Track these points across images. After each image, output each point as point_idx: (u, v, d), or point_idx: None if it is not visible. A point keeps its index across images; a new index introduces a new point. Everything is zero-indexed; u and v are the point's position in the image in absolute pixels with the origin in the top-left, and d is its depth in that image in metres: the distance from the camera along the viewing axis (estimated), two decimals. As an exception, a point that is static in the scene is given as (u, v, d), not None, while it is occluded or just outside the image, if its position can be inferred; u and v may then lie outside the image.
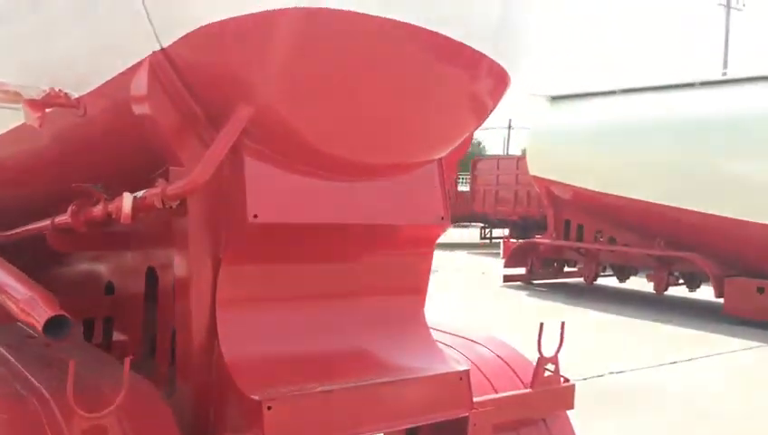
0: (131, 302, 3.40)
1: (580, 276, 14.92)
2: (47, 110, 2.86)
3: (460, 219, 25.69)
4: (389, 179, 3.09)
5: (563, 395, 3.55)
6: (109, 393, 2.50)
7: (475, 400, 3.23)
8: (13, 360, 3.07)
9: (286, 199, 2.78)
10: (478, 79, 2.90)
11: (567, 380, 3.66)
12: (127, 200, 2.74)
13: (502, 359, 3.70)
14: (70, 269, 4.15)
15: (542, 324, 3.54)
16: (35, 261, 3.94)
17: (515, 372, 3.67)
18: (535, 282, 15.04)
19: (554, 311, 11.81)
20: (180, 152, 2.65)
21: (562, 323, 3.56)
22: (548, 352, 3.56)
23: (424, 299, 3.40)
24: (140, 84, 2.58)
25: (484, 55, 2.79)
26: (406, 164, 3.06)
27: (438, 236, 3.34)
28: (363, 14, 2.41)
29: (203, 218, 2.73)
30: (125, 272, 3.56)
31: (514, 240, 17.08)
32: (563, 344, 3.57)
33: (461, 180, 26.38)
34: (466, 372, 3.13)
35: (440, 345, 3.71)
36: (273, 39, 2.42)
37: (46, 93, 2.83)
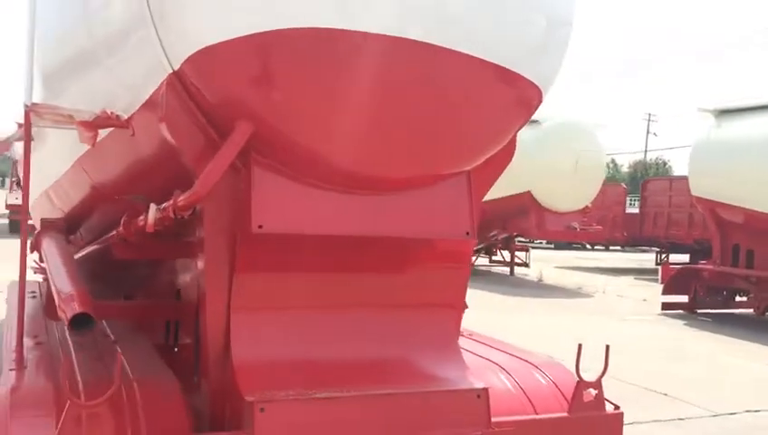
0: (187, 306, 3.66)
1: (751, 307, 13.72)
2: (100, 130, 3.18)
3: (630, 243, 24.55)
4: (410, 193, 3.10)
5: (607, 423, 3.36)
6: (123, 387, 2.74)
7: (498, 419, 3.16)
8: (72, 353, 3.42)
9: (294, 211, 2.89)
10: (495, 96, 2.89)
11: (617, 407, 3.46)
12: (151, 211, 2.99)
13: (555, 384, 3.55)
14: (155, 275, 4.52)
15: (580, 346, 3.41)
16: (126, 267, 4.36)
17: (566, 399, 3.52)
18: (700, 311, 14.01)
19: (697, 341, 10.95)
20: (197, 167, 2.84)
21: (607, 347, 3.39)
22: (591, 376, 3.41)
23: (456, 314, 3.37)
24: (160, 105, 2.81)
25: (506, 71, 2.78)
26: (419, 178, 3.07)
27: (467, 251, 3.30)
28: (361, 32, 2.49)
29: (217, 228, 2.91)
30: (182, 278, 3.85)
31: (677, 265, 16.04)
32: (607, 369, 3.39)
33: (631, 202, 25.23)
34: (485, 390, 3.08)
35: (483, 363, 3.66)
36: (270, 60, 2.56)
37: (98, 115, 3.13)
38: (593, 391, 3.39)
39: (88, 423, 2.53)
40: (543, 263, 22.45)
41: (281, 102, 2.64)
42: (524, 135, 15.68)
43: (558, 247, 31.19)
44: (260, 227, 2.84)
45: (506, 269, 19.53)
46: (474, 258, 18.95)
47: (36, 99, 3.29)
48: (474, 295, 13.18)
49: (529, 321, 11.57)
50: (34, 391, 2.85)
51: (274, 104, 2.65)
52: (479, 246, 18.88)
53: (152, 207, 2.99)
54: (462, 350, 4.06)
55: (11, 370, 3.11)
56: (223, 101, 2.71)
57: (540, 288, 16.86)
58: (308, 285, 3.11)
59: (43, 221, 4.44)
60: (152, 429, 2.76)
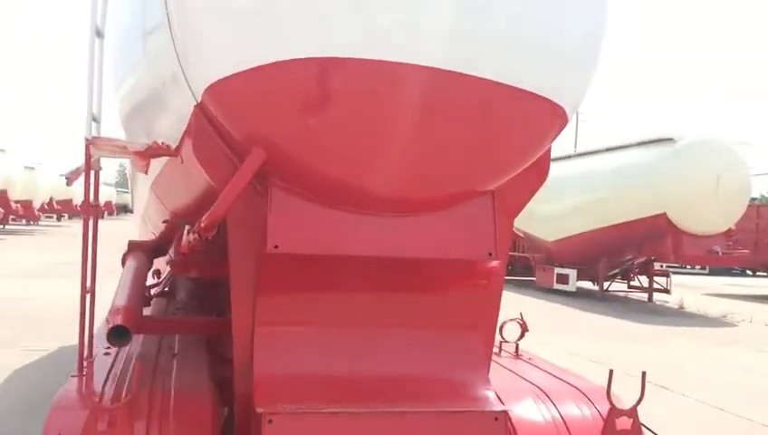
0: (223, 323, 3.88)
1: None
2: (152, 159, 3.50)
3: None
4: (431, 214, 3.17)
5: (642, 453, 3.23)
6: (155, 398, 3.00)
7: (519, 443, 3.13)
8: (133, 361, 3.73)
9: (310, 232, 3.04)
10: (514, 118, 2.90)
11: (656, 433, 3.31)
12: (186, 233, 3.24)
13: (600, 413, 3.44)
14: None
15: (611, 371, 3.31)
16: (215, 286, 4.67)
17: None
18: None
19: None
20: (222, 191, 3.05)
21: (643, 374, 3.28)
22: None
23: (485, 334, 3.37)
24: (189, 135, 3.07)
25: (525, 93, 2.81)
26: (438, 199, 3.12)
27: (493, 272, 3.30)
28: (372, 60, 2.61)
29: (242, 249, 3.11)
30: (224, 296, 4.09)
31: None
32: (644, 397, 3.27)
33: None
34: (503, 413, 3.08)
35: (527, 387, 3.62)
36: (279, 90, 2.73)
37: (150, 146, 3.43)
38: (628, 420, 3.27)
39: (108, 425, 2.77)
40: (692, 289, 21.27)
41: (291, 131, 2.79)
42: (659, 154, 15.53)
43: (713, 273, 29.38)
44: (276, 247, 3.01)
45: (645, 296, 18.65)
46: (608, 284, 18.31)
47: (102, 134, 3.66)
48: (603, 323, 12.94)
49: (654, 350, 11.04)
50: (78, 395, 3.16)
51: (284, 133, 2.81)
52: (614, 272, 18.21)
53: (188, 228, 3.25)
54: (509, 372, 4.04)
55: (72, 376, 3.44)
56: (238, 130, 2.91)
57: (679, 316, 15.97)
58: (330, 303, 3.24)
59: (130, 242, 4.87)
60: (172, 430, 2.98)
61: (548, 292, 18.33)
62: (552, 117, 3.07)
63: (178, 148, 3.40)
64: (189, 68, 2.95)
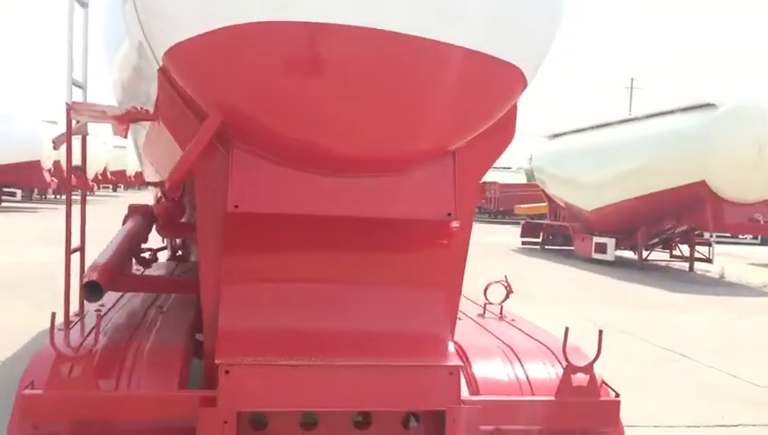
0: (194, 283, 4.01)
1: None
2: (131, 123, 3.65)
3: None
4: (390, 175, 3.25)
5: (599, 410, 3.28)
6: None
7: (474, 398, 3.21)
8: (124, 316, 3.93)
9: (270, 192, 3.15)
10: (466, 79, 2.95)
11: (618, 394, 3.36)
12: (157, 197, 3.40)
13: (566, 373, 3.43)
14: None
15: (567, 329, 3.36)
16: None
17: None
18: None
19: None
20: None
21: (600, 332, 3.32)
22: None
23: (447, 293, 3.44)
24: (156, 99, 3.20)
25: (477, 54, 2.86)
26: (395, 160, 3.19)
27: (452, 231, 3.36)
28: (318, 23, 2.70)
29: (208, 209, 3.24)
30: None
31: None
32: (600, 354, 3.31)
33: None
34: (457, 367, 3.16)
35: (496, 345, 3.69)
36: (233, 53, 2.84)
37: (127, 111, 3.58)
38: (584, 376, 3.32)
39: (72, 372, 2.95)
40: (737, 259, 20.82)
41: (247, 94, 2.90)
42: (699, 120, 15.26)
43: (765, 243, 28.61)
44: (236, 206, 3.14)
45: (686, 265, 18.33)
46: (647, 253, 18.04)
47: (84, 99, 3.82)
48: (636, 291, 12.78)
49: (682, 319, 10.92)
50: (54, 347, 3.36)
51: (241, 95, 2.92)
52: (654, 241, 17.92)
53: (153, 190, 3.41)
54: (484, 332, 4.11)
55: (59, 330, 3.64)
56: (196, 93, 3.03)
57: (718, 285, 15.68)
58: (293, 261, 3.35)
59: (130, 206, 5.06)
60: (143, 382, 3.16)
61: (587, 261, 18.15)
62: (509, 79, 3.11)
63: (155, 112, 3.53)
64: (150, 33, 3.07)
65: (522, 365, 3.60)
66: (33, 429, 2.97)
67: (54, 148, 3.93)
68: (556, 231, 21.54)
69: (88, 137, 4.11)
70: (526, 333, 4.09)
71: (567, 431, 3.36)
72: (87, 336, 3.14)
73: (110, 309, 4.12)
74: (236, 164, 3.15)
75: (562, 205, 21.24)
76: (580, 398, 3.30)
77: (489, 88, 3.10)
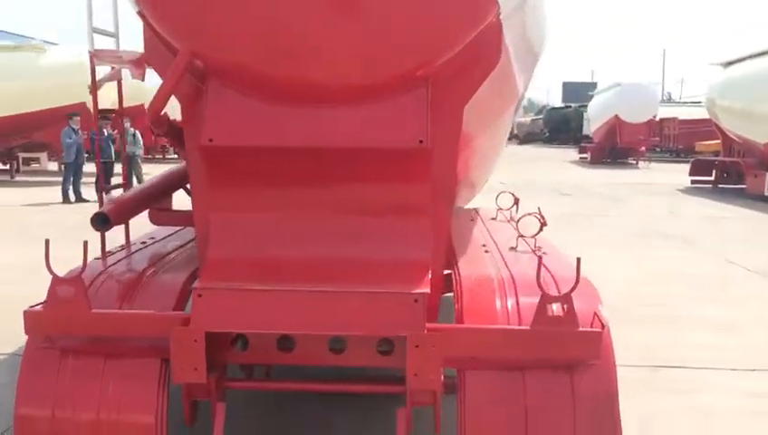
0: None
1: None
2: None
3: None
4: (361, 104, 3.28)
5: (577, 341, 3.14)
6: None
7: (440, 326, 3.20)
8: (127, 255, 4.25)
9: (243, 125, 3.29)
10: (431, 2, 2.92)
11: (602, 325, 3.21)
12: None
13: (541, 302, 3.27)
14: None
15: (540, 258, 3.23)
16: None
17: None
18: None
19: None
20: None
21: (578, 259, 3.18)
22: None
23: (426, 221, 3.42)
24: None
25: None
26: (364, 87, 3.20)
27: (425, 159, 3.32)
28: None
29: (193, 144, 3.44)
30: None
31: None
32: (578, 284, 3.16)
33: None
34: (423, 295, 3.16)
35: (492, 274, 3.63)
36: None
37: (141, 54, 3.85)
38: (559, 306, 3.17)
39: (66, 293, 3.28)
40: None
41: (213, 28, 3.05)
42: None
43: None
44: (210, 140, 3.31)
45: None
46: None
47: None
48: None
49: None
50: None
51: (207, 31, 3.07)
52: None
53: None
54: (497, 261, 4.01)
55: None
56: (165, 31, 3.20)
57: None
58: (271, 191, 3.47)
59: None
60: (137, 305, 3.45)
61: (759, 199, 16.67)
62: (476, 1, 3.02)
63: (144, 55, 3.74)
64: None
65: (516, 297, 3.50)
66: (42, 342, 3.37)
67: (90, 93, 4.25)
68: (729, 168, 19.90)
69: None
70: (546, 267, 3.93)
71: (546, 361, 3.24)
72: (80, 264, 3.44)
73: (144, 245, 4.48)
74: (211, 99, 3.30)
75: (737, 140, 19.54)
76: (556, 328, 3.17)
77: (454, 9, 3.01)
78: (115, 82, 4.36)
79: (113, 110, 3.57)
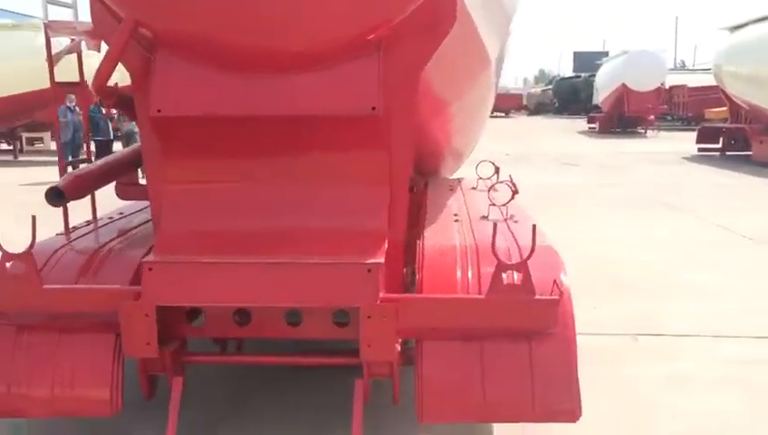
0: None
1: None
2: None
3: None
4: (312, 71, 3.21)
5: (533, 309, 3.08)
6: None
7: (394, 296, 3.14)
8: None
9: (191, 95, 3.23)
10: None
11: (562, 294, 3.14)
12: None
13: (497, 271, 3.17)
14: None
15: (495, 225, 3.16)
16: None
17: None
18: None
19: None
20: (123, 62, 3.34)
21: (534, 226, 3.11)
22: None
23: (382, 190, 3.36)
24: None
25: None
26: (314, 52, 3.13)
27: (379, 127, 3.25)
28: None
29: (144, 115, 3.38)
30: None
31: None
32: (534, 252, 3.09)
33: None
34: (377, 265, 3.11)
35: (454, 244, 3.56)
36: None
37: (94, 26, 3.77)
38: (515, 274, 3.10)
39: (16, 268, 3.24)
40: None
41: None
42: None
43: None
44: (158, 111, 3.25)
45: None
46: None
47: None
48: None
49: None
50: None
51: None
52: None
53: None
54: (461, 229, 3.94)
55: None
56: (111, 2, 3.14)
57: None
58: (224, 162, 3.41)
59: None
60: (96, 280, 3.41)
61: (766, 166, 16.46)
62: None
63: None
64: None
65: (478, 267, 3.43)
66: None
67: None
68: (736, 135, 19.63)
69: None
70: (513, 236, 3.85)
71: (503, 330, 3.18)
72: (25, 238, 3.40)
73: (110, 220, 4.44)
74: (159, 69, 3.24)
75: (744, 106, 19.25)
76: (512, 296, 3.10)
77: None
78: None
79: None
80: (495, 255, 3.11)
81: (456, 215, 4.39)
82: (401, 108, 3.30)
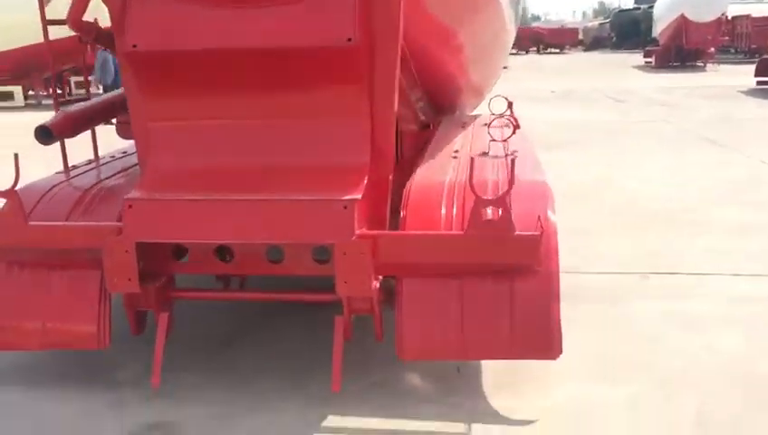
0: None
1: None
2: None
3: None
4: (287, 2, 3.16)
5: (513, 245, 3.00)
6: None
7: (370, 233, 3.11)
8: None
9: (168, 28, 3.21)
10: None
11: (543, 230, 3.06)
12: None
13: (475, 206, 3.07)
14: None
15: (472, 159, 3.07)
16: None
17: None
18: None
19: None
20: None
21: (512, 160, 3.03)
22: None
23: (364, 124, 3.30)
24: None
25: None
26: None
27: (356, 59, 3.16)
28: None
29: (121, 52, 3.35)
30: None
31: None
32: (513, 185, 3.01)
33: None
34: (353, 201, 3.08)
35: (446, 181, 3.49)
36: None
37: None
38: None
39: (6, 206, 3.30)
40: None
41: None
42: None
43: None
44: (134, 46, 3.23)
45: None
46: None
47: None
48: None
49: None
50: None
51: None
52: None
53: None
54: (457, 166, 3.84)
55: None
56: None
57: None
58: (205, 98, 3.37)
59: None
60: (87, 217, 3.46)
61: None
62: None
63: None
64: None
65: (463, 203, 3.34)
66: None
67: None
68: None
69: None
70: (509, 172, 3.74)
71: (483, 267, 3.11)
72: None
73: (112, 159, 4.47)
74: (134, 4, 3.21)
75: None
76: (489, 232, 3.02)
77: None
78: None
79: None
80: (473, 190, 3.03)
81: (456, 152, 4.29)
82: (384, 38, 3.20)
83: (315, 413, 3.19)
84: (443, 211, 3.30)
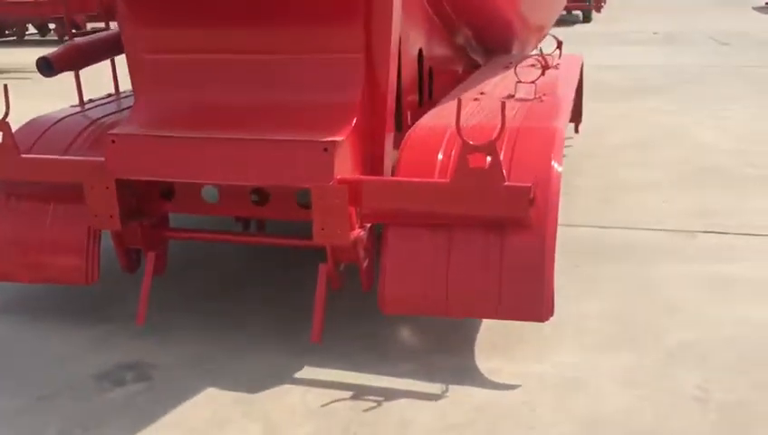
0: None
1: None
2: None
3: None
4: None
5: (498, 197, 2.77)
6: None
7: (350, 178, 2.93)
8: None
9: None
10: None
11: (542, 179, 2.82)
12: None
13: (462, 153, 2.85)
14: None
15: (459, 100, 2.82)
16: None
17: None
18: None
19: None
20: None
21: (503, 104, 2.77)
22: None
23: (358, 64, 3.09)
24: None
25: None
26: None
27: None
28: None
29: None
30: None
31: None
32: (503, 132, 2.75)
33: None
34: (333, 143, 2.89)
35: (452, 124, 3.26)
36: None
37: None
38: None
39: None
40: None
41: None
42: None
43: None
44: None
45: None
46: None
47: None
48: None
49: None
50: None
51: None
52: None
53: None
54: (481, 109, 3.57)
55: None
56: None
57: None
58: (197, 33, 3.23)
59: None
60: (92, 152, 3.42)
61: None
62: None
63: None
64: None
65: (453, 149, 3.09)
66: None
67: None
68: None
69: None
70: (528, 116, 3.43)
71: (471, 219, 2.87)
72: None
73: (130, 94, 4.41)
74: None
75: None
76: (475, 181, 2.78)
77: None
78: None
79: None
80: (460, 135, 2.78)
81: (481, 94, 4.00)
82: None
83: (294, 363, 3.08)
84: (439, 157, 3.07)
